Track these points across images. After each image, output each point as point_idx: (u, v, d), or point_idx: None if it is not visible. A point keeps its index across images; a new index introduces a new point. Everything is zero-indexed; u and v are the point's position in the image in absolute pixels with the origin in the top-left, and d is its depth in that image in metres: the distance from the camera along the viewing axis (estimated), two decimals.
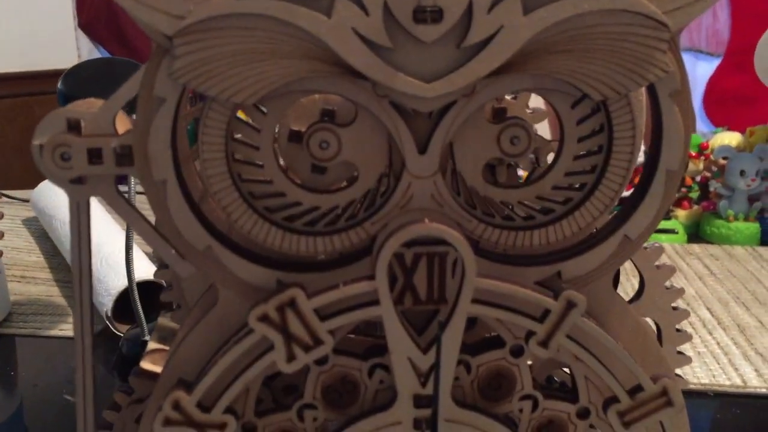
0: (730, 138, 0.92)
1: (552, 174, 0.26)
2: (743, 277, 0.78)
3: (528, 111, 0.35)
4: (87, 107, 0.26)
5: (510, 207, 0.27)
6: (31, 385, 0.63)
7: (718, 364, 0.62)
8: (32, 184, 0.93)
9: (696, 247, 0.86)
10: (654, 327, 0.33)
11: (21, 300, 0.76)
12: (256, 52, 0.23)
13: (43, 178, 1.02)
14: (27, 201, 0.96)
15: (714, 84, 1.64)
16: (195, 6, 0.22)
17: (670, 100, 0.25)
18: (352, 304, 0.26)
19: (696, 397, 0.58)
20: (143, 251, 0.73)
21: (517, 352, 0.27)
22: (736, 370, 0.61)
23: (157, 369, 0.30)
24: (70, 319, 0.72)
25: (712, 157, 0.90)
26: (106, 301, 0.68)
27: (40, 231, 0.89)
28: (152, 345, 0.33)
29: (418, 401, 0.27)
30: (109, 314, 0.67)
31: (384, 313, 0.25)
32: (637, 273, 0.33)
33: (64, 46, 1.72)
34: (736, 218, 0.87)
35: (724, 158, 0.89)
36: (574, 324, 0.26)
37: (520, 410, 0.28)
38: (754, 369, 0.61)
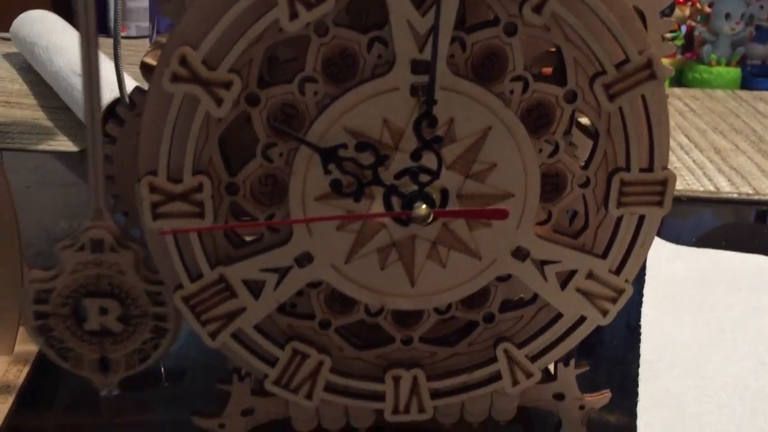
0: None
1: None
2: (722, 113, 0.80)
3: None
4: None
5: None
6: (23, 187, 0.63)
7: (693, 176, 0.65)
8: (7, 26, 0.91)
9: (677, 90, 0.88)
10: None
11: (6, 121, 0.76)
12: None
13: (22, 12, 0.98)
14: (8, 39, 0.94)
15: None
16: None
17: None
18: None
19: None
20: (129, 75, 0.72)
21: (511, 30, 0.28)
22: (710, 180, 0.64)
23: None
24: (58, 137, 0.72)
25: (698, 4, 0.91)
26: None
27: (22, 63, 0.88)
28: (152, 48, 0.34)
29: (416, 67, 0.28)
30: None
31: None
32: None
33: None
34: (718, 63, 0.89)
35: (710, 5, 0.89)
36: None
37: (511, 91, 0.29)
38: (727, 179, 0.64)
